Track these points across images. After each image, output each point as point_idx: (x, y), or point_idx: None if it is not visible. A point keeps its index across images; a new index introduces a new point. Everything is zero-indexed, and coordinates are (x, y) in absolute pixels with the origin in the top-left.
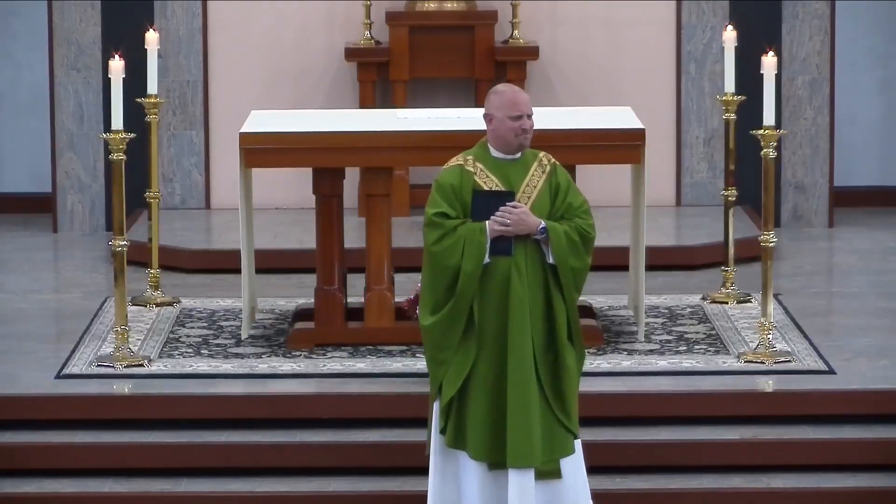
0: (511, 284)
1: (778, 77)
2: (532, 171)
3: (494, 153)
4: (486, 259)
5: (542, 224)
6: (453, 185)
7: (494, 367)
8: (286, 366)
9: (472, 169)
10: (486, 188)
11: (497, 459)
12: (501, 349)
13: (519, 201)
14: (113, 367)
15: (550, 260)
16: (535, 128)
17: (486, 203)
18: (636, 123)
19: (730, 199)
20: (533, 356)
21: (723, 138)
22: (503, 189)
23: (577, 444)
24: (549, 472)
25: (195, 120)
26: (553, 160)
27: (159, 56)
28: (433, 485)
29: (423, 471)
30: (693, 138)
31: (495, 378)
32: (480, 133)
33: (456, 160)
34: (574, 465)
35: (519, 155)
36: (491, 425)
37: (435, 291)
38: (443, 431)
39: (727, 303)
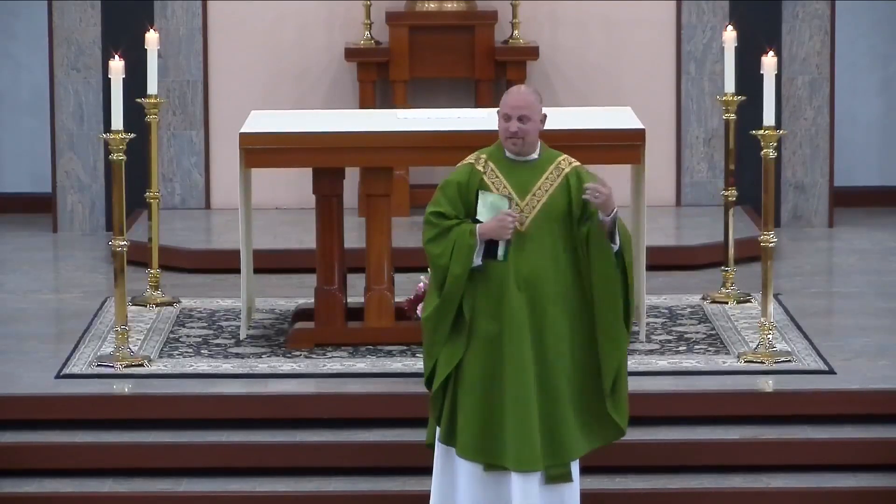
0: (506, 290)
1: (778, 77)
2: (546, 174)
3: (507, 153)
4: (478, 262)
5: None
6: (460, 183)
7: (486, 370)
8: (286, 366)
9: (482, 168)
10: (492, 189)
11: (485, 461)
12: (496, 353)
13: (528, 204)
14: (113, 367)
15: (616, 243)
16: None
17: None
18: (636, 123)
19: (730, 199)
20: (566, 357)
21: (723, 138)
22: (504, 194)
23: None
24: (560, 475)
25: (195, 120)
26: (573, 164)
27: (159, 56)
28: (436, 484)
29: (423, 471)
30: (693, 138)
31: (487, 380)
32: (480, 133)
33: (469, 158)
34: (576, 466)
35: (535, 157)
36: (480, 426)
37: (435, 286)
38: (438, 423)
39: (727, 303)
